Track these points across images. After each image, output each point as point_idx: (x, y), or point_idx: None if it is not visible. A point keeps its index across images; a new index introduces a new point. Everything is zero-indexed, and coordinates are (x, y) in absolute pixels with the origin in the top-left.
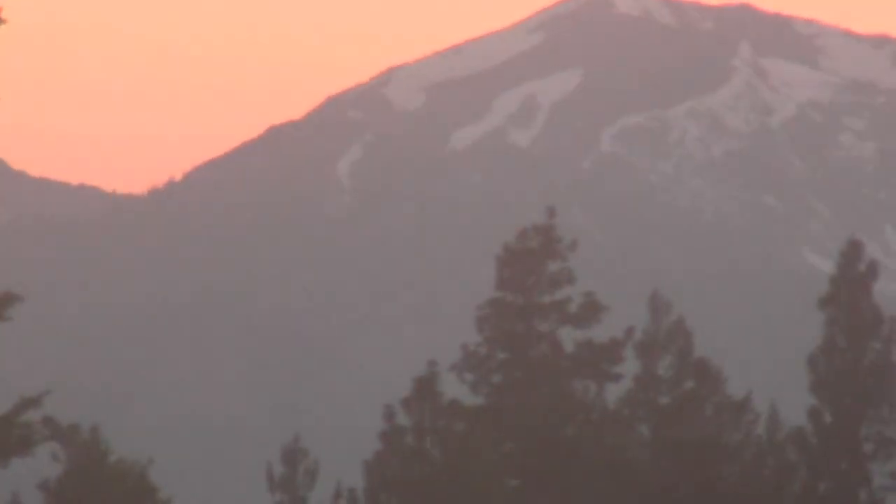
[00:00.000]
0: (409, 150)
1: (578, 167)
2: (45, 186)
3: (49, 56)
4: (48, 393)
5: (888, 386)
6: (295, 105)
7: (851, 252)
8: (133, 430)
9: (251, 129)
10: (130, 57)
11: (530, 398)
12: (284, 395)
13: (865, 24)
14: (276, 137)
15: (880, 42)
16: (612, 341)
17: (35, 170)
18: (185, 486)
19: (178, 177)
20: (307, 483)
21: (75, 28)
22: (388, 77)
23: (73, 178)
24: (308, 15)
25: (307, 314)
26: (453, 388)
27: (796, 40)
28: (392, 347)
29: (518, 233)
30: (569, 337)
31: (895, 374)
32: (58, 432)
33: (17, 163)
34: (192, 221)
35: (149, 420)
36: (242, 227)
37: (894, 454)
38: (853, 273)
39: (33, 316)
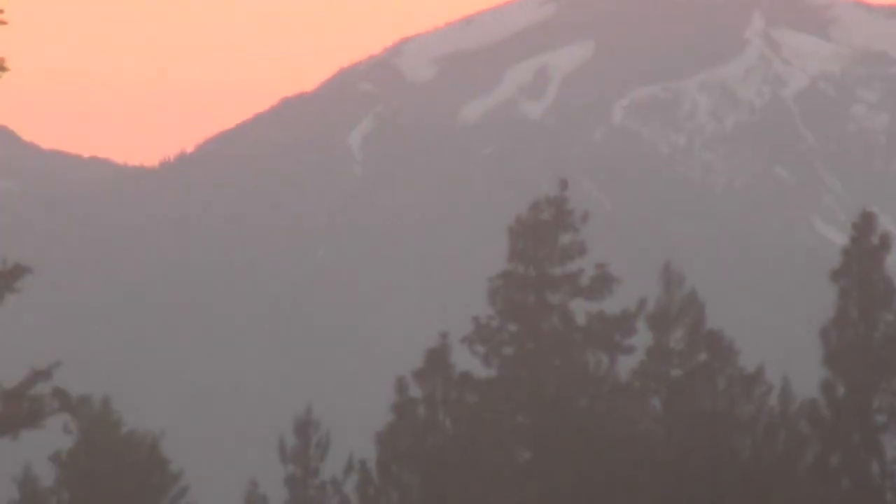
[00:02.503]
0: (421, 122)
1: (590, 139)
2: (56, 158)
3: (60, 28)
4: (58, 365)
5: None
6: (306, 77)
7: (864, 224)
8: (144, 402)
9: (263, 101)
10: (142, 29)
11: (542, 370)
12: (296, 367)
13: None
14: (288, 109)
15: (893, 13)
16: (624, 313)
17: (46, 142)
18: (196, 458)
19: (190, 149)
20: (319, 455)
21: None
22: (399, 49)
23: (85, 150)
24: None
25: (319, 286)
26: (465, 361)
27: (809, 12)
28: (404, 319)
29: (530, 205)
30: (581, 309)
31: None
32: (68, 404)
33: (28, 135)
34: (204, 193)
35: (160, 392)
36: (254, 199)
37: None
38: (866, 245)
39: (44, 288)
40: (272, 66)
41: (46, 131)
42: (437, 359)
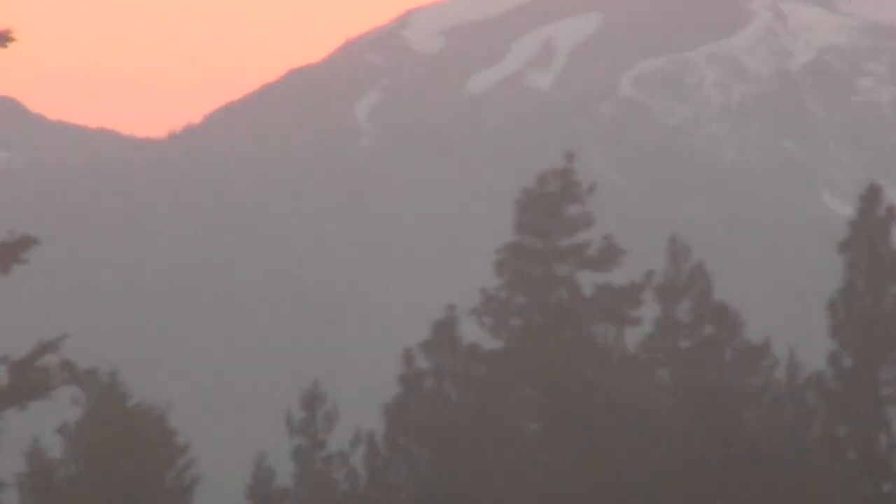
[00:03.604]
0: (428, 94)
1: (597, 111)
2: (63, 130)
3: None
4: (66, 337)
5: None
6: (314, 48)
7: (871, 196)
8: (151, 374)
9: (270, 72)
10: (150, 1)
11: (549, 342)
12: (303, 339)
13: None
14: (295, 81)
15: None
16: (631, 285)
17: (53, 113)
18: (203, 430)
19: (198, 120)
20: (326, 427)
21: None
22: (406, 20)
23: (92, 121)
24: None
25: (325, 258)
26: (473, 333)
27: None
28: (411, 291)
29: (537, 176)
30: (588, 281)
31: None
32: (75, 376)
33: (35, 106)
34: (212, 164)
35: (167, 365)
36: (262, 170)
37: None
38: (872, 217)
39: (50, 260)
40: (279, 38)
41: (53, 103)
42: (444, 330)
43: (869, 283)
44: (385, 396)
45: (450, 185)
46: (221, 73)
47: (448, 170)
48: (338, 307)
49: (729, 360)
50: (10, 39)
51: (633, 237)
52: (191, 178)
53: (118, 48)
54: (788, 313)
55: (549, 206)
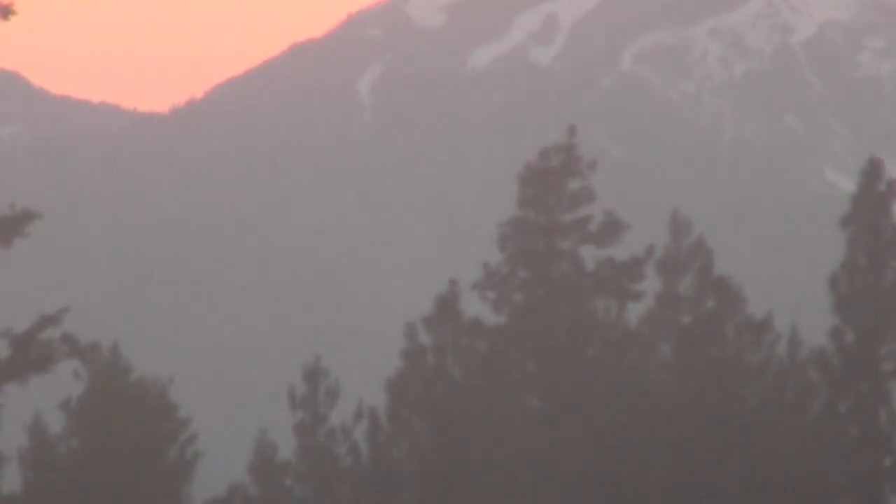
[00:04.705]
0: (430, 69)
1: (599, 86)
2: (66, 104)
3: None
4: (67, 311)
5: None
6: (316, 23)
7: (872, 171)
8: (153, 349)
9: (272, 46)
10: None
11: (552, 317)
12: (305, 313)
13: None
14: (297, 55)
15: None
16: (632, 259)
17: (56, 87)
18: (205, 405)
19: (199, 95)
20: (328, 402)
21: None
22: None
23: (95, 95)
24: None
25: (328, 232)
26: (475, 307)
27: None
28: (414, 266)
29: (539, 152)
30: (590, 255)
31: None
32: (77, 350)
33: (38, 80)
34: (214, 139)
35: (169, 340)
36: (263, 145)
37: None
38: (873, 192)
39: (53, 234)
40: (281, 12)
41: (56, 77)
42: (446, 305)
43: (870, 259)
44: (387, 371)
45: (451, 159)
46: (223, 47)
47: (449, 144)
48: (340, 282)
49: (730, 335)
50: (13, 13)
51: (635, 212)
52: (193, 152)
53: (121, 23)
54: (790, 288)
55: (552, 181)
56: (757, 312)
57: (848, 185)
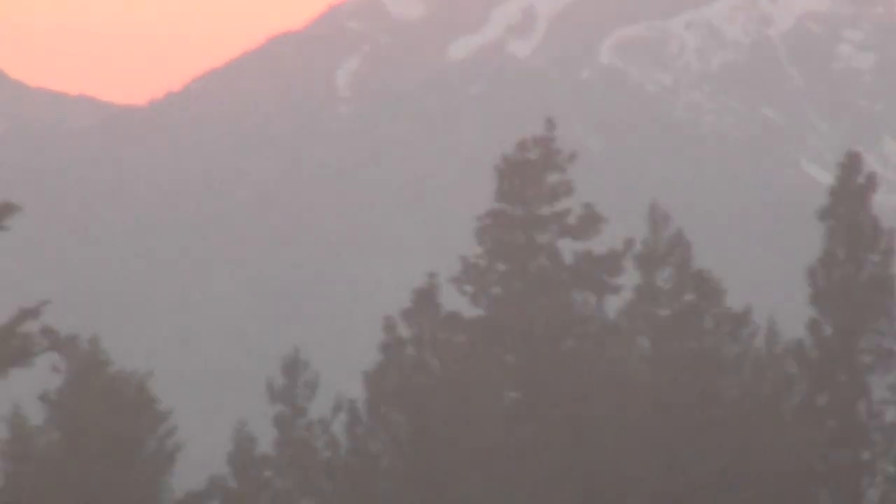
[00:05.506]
0: (408, 61)
1: (577, 78)
2: (43, 96)
3: None
4: (47, 303)
5: (887, 298)
6: (294, 15)
7: (850, 164)
8: (132, 341)
9: (250, 39)
10: None
11: (530, 310)
12: (284, 306)
13: None
14: (276, 47)
15: None
16: (611, 253)
17: (33, 80)
18: (184, 397)
19: (178, 87)
20: (307, 395)
21: None
22: None
23: (72, 88)
24: None
25: (307, 225)
26: (453, 300)
27: None
28: (392, 259)
29: (517, 144)
30: (568, 249)
31: (894, 286)
32: (57, 343)
33: (14, 72)
34: (192, 131)
35: (148, 331)
36: (242, 137)
37: (893, 367)
38: (852, 185)
39: (31, 226)
40: (259, 4)
41: (33, 69)
42: (425, 298)
43: (848, 251)
44: (366, 364)
45: (430, 152)
46: (202, 39)
47: (428, 137)
48: (318, 275)
49: (709, 328)
50: None
51: (614, 205)
52: (171, 145)
53: (99, 14)
54: (768, 281)
55: (530, 173)
56: (735, 305)
57: (826, 177)
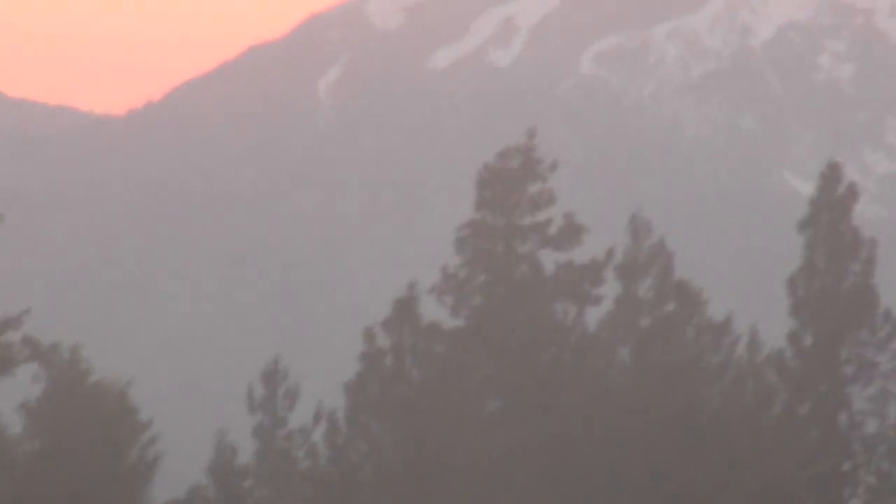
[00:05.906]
0: (389, 71)
1: (558, 88)
2: (22, 107)
3: None
4: (27, 312)
5: (868, 308)
6: (275, 24)
7: (831, 174)
8: (113, 351)
9: (230, 48)
10: None
11: (510, 320)
12: (264, 316)
13: None
14: (256, 57)
15: None
16: (592, 263)
17: (12, 90)
18: (164, 407)
19: (158, 97)
20: (287, 404)
21: None
22: None
23: (52, 98)
24: None
25: (286, 235)
26: (433, 311)
27: None
28: (372, 269)
29: (498, 153)
30: (549, 259)
31: (875, 297)
32: (38, 352)
33: None
34: (172, 142)
35: (128, 341)
36: (222, 147)
37: (874, 377)
38: (833, 195)
39: (11, 236)
40: (240, 14)
41: (12, 79)
42: (405, 309)
43: (829, 262)
44: (346, 374)
45: (411, 161)
46: (182, 49)
47: (409, 146)
48: (299, 284)
49: (690, 337)
50: None
51: (594, 214)
52: (151, 155)
53: (78, 24)
54: (749, 291)
55: (511, 183)
56: (716, 314)
57: (807, 188)
